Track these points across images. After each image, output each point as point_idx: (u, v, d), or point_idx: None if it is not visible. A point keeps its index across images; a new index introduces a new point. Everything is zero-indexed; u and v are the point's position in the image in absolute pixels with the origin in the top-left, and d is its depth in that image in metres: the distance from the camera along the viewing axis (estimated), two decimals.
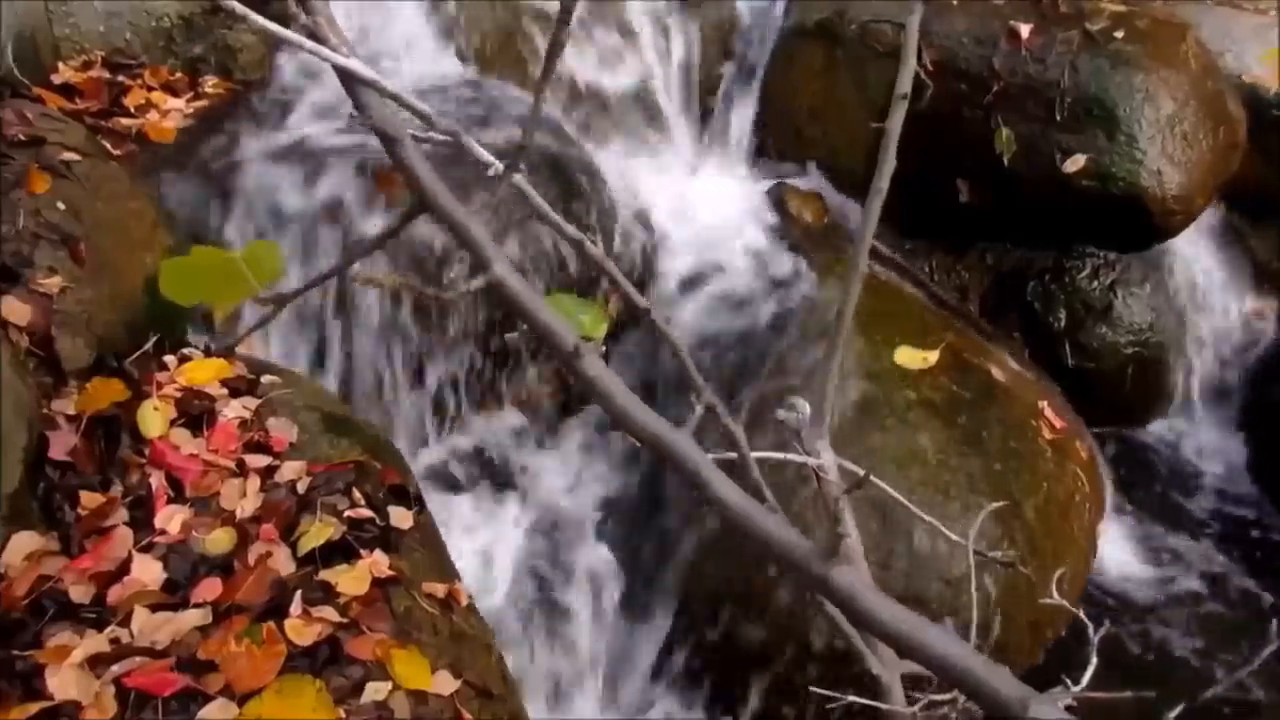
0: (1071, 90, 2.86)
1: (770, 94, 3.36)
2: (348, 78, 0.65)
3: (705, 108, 3.38)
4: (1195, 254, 3.24)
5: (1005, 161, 2.93)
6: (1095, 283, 3.10)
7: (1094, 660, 1.28)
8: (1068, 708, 1.15)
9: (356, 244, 2.32)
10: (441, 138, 0.67)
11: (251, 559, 1.67)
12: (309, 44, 0.64)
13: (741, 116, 3.37)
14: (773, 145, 3.36)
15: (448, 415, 2.57)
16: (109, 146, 2.45)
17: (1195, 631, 2.63)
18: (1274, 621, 2.61)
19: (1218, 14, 3.30)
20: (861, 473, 1.10)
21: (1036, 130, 2.91)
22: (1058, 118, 2.88)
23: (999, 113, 2.94)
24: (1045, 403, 2.73)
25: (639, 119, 3.24)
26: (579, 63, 3.12)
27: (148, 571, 1.64)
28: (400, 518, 1.83)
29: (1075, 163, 2.85)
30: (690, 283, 2.78)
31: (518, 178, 0.69)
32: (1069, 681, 1.25)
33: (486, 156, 0.68)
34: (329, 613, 1.61)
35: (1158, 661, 2.55)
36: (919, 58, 2.90)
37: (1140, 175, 2.81)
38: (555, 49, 0.64)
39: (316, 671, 1.54)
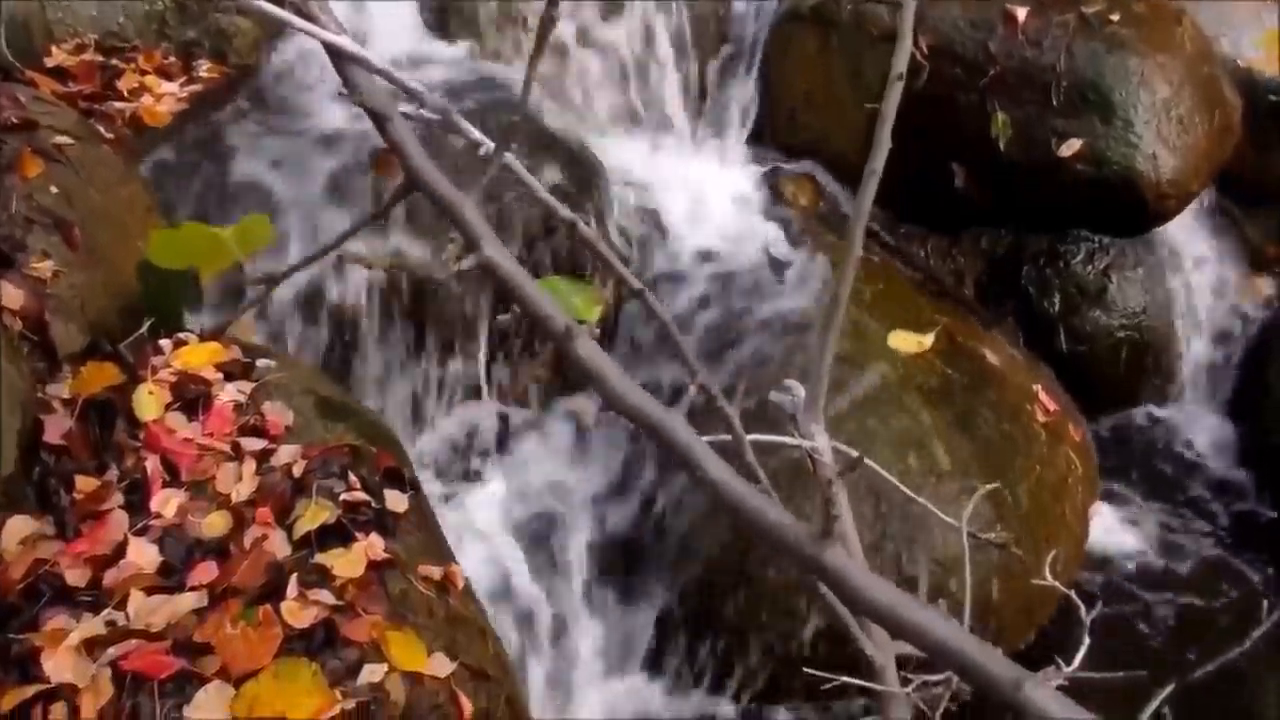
0: (1067, 74, 2.86)
1: (766, 79, 3.35)
2: (336, 55, 0.65)
3: (701, 93, 3.37)
4: (1189, 238, 3.24)
5: (1001, 146, 2.92)
6: (1089, 267, 3.10)
7: (1086, 641, 1.29)
8: (1059, 688, 1.15)
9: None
10: (431, 115, 0.67)
11: (247, 542, 1.67)
12: (297, 21, 0.63)
13: (737, 102, 3.36)
14: (768, 130, 3.36)
15: (442, 399, 2.58)
16: (102, 131, 2.44)
17: (1187, 612, 2.65)
18: (1265, 602, 2.63)
19: None
20: (855, 455, 1.11)
21: (1032, 114, 2.90)
22: (1054, 102, 2.87)
23: (995, 97, 2.94)
24: (1039, 386, 2.73)
25: (635, 104, 3.23)
26: (573, 45, 3.11)
27: (143, 555, 1.64)
28: (396, 501, 1.83)
29: (1071, 147, 2.85)
30: (685, 266, 2.78)
31: (509, 156, 0.69)
32: (1061, 662, 1.26)
33: (477, 135, 0.68)
34: (325, 596, 1.61)
35: (1149, 642, 2.57)
36: (914, 41, 2.89)
37: (1135, 159, 2.81)
38: (546, 27, 0.64)
39: (312, 654, 1.54)
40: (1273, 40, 3.14)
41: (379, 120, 0.67)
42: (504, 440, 2.63)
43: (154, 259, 0.72)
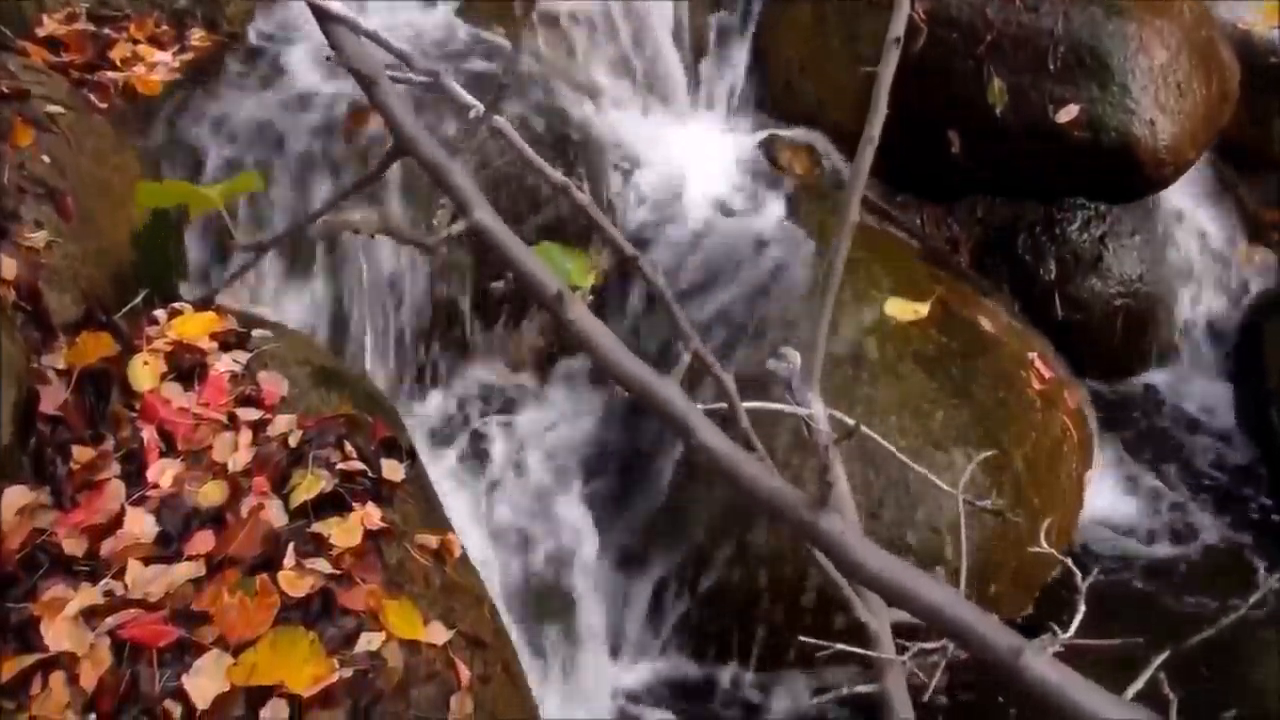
0: (1065, 39, 2.84)
1: (761, 46, 3.33)
2: (323, 16, 0.64)
3: (696, 62, 3.35)
4: (1186, 205, 3.23)
5: (997, 112, 2.90)
6: (1085, 234, 3.10)
7: (1082, 608, 1.30)
8: (1056, 654, 1.16)
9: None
10: (420, 78, 0.66)
11: (244, 512, 1.68)
12: None
13: (732, 69, 3.34)
14: (764, 98, 3.33)
15: (438, 367, 2.57)
16: (94, 100, 2.42)
17: (1182, 579, 2.65)
18: (1261, 568, 2.64)
19: None
20: (851, 423, 1.11)
21: (1028, 80, 2.88)
22: (1050, 68, 2.85)
23: (991, 63, 2.91)
24: (1034, 354, 2.73)
25: (629, 73, 3.20)
26: (566, 13, 3.08)
27: (140, 525, 1.64)
28: (392, 470, 1.84)
29: (1068, 113, 2.83)
30: (681, 235, 2.77)
31: (500, 119, 0.68)
32: (1057, 629, 1.26)
33: (467, 97, 0.67)
34: (321, 565, 1.62)
35: (1145, 609, 2.57)
36: (911, 6, 2.86)
37: (1133, 125, 2.79)
38: None
39: (309, 623, 1.55)
40: (1271, 5, 3.12)
41: (366, 83, 0.66)
42: (503, 407, 2.63)
43: (141, 203, 0.72)
